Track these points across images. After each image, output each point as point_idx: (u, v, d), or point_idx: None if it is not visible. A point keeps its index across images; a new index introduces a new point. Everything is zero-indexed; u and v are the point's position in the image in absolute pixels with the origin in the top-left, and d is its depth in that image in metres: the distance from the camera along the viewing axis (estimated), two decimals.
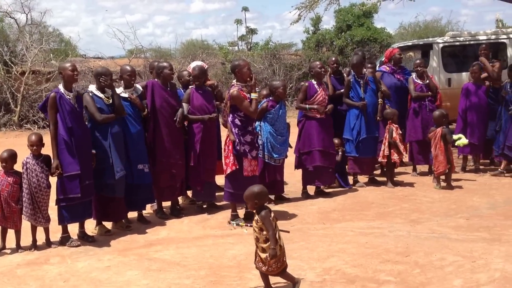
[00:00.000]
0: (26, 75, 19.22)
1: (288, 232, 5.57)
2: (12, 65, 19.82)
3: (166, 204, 8.06)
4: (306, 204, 8.19)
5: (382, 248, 6.04)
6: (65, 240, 6.77)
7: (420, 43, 14.95)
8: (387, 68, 10.08)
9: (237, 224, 5.12)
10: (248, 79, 7.24)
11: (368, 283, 5.14)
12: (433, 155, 8.63)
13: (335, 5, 13.06)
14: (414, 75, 9.74)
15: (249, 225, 5.20)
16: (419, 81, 9.64)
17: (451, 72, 13.14)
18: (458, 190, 8.54)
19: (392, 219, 7.19)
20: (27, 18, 21.63)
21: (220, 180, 8.25)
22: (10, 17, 22.09)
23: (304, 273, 5.47)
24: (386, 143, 8.86)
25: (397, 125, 8.94)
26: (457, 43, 13.52)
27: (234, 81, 7.44)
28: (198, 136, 7.79)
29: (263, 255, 4.80)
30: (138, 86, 7.66)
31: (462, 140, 8.72)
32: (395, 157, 8.85)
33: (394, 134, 8.80)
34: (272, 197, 8.39)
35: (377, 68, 10.33)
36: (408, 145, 9.81)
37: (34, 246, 6.67)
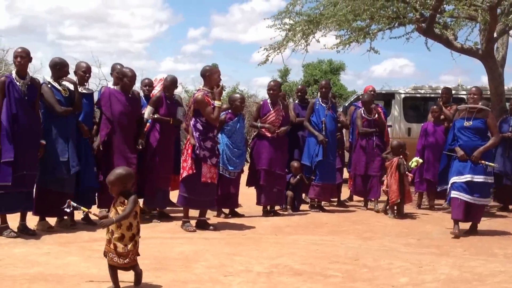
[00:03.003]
0: None
1: None
2: None
3: None
4: (261, 220, 8.13)
5: (332, 254, 5.98)
6: (2, 230, 6.47)
7: (383, 92, 15.26)
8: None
9: (76, 208, 4.82)
10: (215, 86, 7.23)
11: (315, 276, 5.05)
12: (388, 184, 8.66)
13: (303, 50, 13.23)
14: (362, 109, 9.61)
15: (92, 212, 4.86)
16: (366, 116, 9.49)
17: (411, 122, 13.41)
18: (411, 219, 8.56)
19: (344, 236, 7.15)
20: None
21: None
22: None
23: (251, 266, 5.37)
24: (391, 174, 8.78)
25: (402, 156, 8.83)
26: (418, 95, 13.87)
27: (201, 86, 7.43)
28: (155, 143, 7.71)
29: (120, 245, 4.38)
30: (90, 87, 7.61)
31: (416, 160, 8.73)
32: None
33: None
34: (227, 211, 8.30)
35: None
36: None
37: None
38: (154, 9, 64.92)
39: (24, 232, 6.58)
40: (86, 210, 4.71)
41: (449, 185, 7.42)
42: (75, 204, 4.63)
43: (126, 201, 4.42)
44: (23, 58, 6.50)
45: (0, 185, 6.32)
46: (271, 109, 8.55)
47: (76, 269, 5.11)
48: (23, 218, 6.67)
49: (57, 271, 5.02)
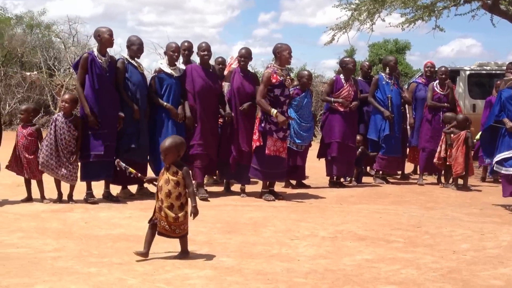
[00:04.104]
0: (67, 80, 19.83)
1: None
2: (55, 69, 20.54)
3: None
4: (326, 191, 8.43)
5: (394, 222, 6.21)
6: (88, 196, 7.03)
7: (448, 69, 15.07)
8: (423, 80, 10.17)
9: (126, 168, 5.05)
10: (286, 63, 7.53)
11: (377, 241, 5.30)
12: (453, 156, 8.70)
13: (368, 30, 13.25)
14: (436, 82, 9.59)
15: (140, 174, 5.02)
16: (438, 90, 9.48)
17: (476, 98, 13.31)
18: (475, 191, 8.67)
19: (407, 205, 7.34)
20: (73, 40, 22.41)
21: None
22: (58, 37, 22.97)
23: (316, 231, 5.67)
24: (443, 146, 8.90)
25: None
26: (484, 72, 13.74)
27: (273, 62, 7.69)
28: (235, 118, 7.71)
29: (171, 214, 4.46)
30: (182, 66, 7.79)
31: None
32: (451, 159, 8.81)
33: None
34: (294, 182, 8.63)
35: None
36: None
37: (60, 199, 6.97)
38: None
39: (108, 198, 7.14)
40: (134, 172, 4.93)
41: (498, 160, 7.13)
42: (123, 165, 4.93)
43: (179, 171, 4.47)
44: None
45: (93, 154, 6.90)
46: (344, 84, 8.73)
47: None
48: (107, 186, 7.21)
49: (137, 233, 5.41)
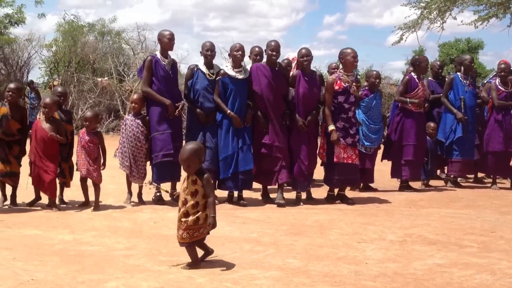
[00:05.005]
0: (136, 85, 20.29)
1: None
2: (125, 75, 21.12)
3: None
4: (394, 194, 8.24)
5: (467, 226, 6.00)
6: (156, 198, 7.17)
7: (508, 65, 14.43)
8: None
9: (157, 186, 5.25)
10: (352, 67, 7.36)
11: (449, 246, 5.13)
12: None
13: (439, 28, 12.97)
14: (497, 80, 9.13)
15: (175, 192, 5.12)
16: (502, 88, 9.03)
17: None
18: None
19: (481, 210, 7.09)
20: (141, 46, 22.96)
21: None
22: (128, 44, 23.65)
23: (384, 235, 5.55)
24: None
25: None
26: None
27: (341, 67, 7.60)
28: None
29: (183, 219, 4.28)
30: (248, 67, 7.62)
31: None
32: None
33: None
34: (360, 185, 8.48)
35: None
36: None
37: (129, 198, 7.16)
38: None
39: (175, 200, 7.19)
40: (165, 190, 5.19)
41: None
42: (155, 185, 5.20)
43: (198, 180, 4.25)
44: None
45: (163, 154, 7.01)
46: (418, 84, 8.46)
47: (221, 232, 5.54)
48: (173, 187, 7.28)
49: None
